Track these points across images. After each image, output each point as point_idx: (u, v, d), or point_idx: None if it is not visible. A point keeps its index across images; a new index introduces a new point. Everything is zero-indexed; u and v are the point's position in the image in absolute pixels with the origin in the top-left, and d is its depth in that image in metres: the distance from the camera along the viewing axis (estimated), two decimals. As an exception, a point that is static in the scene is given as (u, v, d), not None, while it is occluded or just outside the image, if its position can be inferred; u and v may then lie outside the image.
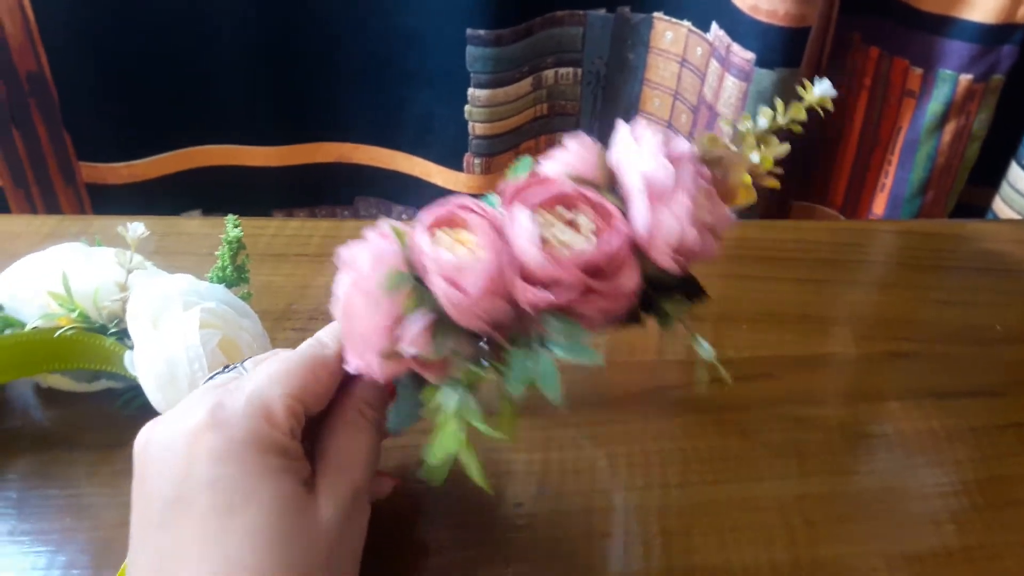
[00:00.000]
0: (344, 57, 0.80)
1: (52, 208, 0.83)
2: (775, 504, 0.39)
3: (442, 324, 0.27)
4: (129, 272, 0.39)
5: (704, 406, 0.44)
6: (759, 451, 0.41)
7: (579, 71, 0.83)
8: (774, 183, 0.33)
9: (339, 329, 0.31)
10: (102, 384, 0.41)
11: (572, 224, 0.28)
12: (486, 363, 0.28)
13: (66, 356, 0.39)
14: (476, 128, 0.80)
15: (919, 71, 0.71)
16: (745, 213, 0.76)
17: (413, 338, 0.27)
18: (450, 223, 0.28)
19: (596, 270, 0.27)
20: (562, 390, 0.27)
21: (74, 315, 0.38)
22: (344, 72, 0.81)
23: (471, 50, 0.76)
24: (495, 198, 0.29)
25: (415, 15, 0.77)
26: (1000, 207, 0.71)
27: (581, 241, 0.27)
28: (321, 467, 0.30)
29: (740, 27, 0.69)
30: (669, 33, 0.78)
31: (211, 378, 0.32)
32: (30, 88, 0.77)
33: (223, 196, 0.88)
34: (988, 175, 0.75)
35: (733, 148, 0.32)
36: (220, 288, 0.40)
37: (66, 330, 0.38)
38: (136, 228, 0.38)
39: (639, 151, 0.28)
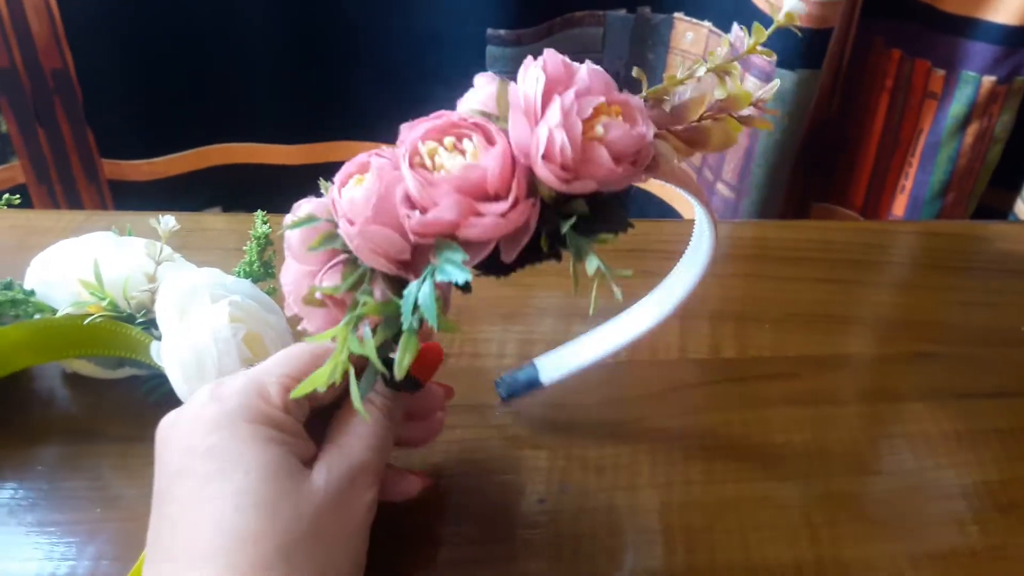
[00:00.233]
0: (365, 56, 0.80)
1: (74, 204, 0.84)
2: (798, 503, 0.39)
3: (351, 263, 0.28)
4: (158, 264, 0.40)
5: (727, 405, 0.44)
6: (782, 450, 0.41)
7: (599, 71, 0.83)
8: (765, 123, 0.31)
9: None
10: (126, 371, 0.42)
11: (458, 150, 0.27)
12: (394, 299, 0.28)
13: (94, 342, 0.39)
14: (495, 127, 0.80)
15: (941, 73, 0.71)
16: (766, 213, 0.76)
17: (325, 277, 0.28)
18: (361, 170, 0.28)
19: (478, 191, 0.27)
20: (447, 317, 0.27)
21: (104, 303, 0.39)
22: (365, 71, 0.81)
23: (491, 50, 0.76)
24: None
25: (436, 15, 0.77)
26: (1022, 210, 0.71)
27: (461, 163, 0.27)
28: (323, 446, 0.31)
29: (753, 24, 0.69)
30: (690, 33, 0.78)
31: None
32: (55, 85, 0.78)
33: (243, 193, 0.88)
34: (1010, 178, 0.75)
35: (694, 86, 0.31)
36: (247, 283, 0.40)
37: (95, 318, 0.38)
38: (168, 221, 0.39)
39: (525, 74, 0.28)
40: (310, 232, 0.29)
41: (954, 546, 0.37)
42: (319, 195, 0.31)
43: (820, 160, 0.80)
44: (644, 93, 0.30)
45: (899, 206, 0.78)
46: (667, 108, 0.30)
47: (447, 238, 0.27)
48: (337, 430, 0.31)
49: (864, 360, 0.47)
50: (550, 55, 0.28)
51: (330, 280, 0.29)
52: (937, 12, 0.70)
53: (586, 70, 0.28)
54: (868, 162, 0.79)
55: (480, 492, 0.38)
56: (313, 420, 0.32)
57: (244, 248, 0.44)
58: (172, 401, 0.40)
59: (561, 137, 0.26)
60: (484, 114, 0.28)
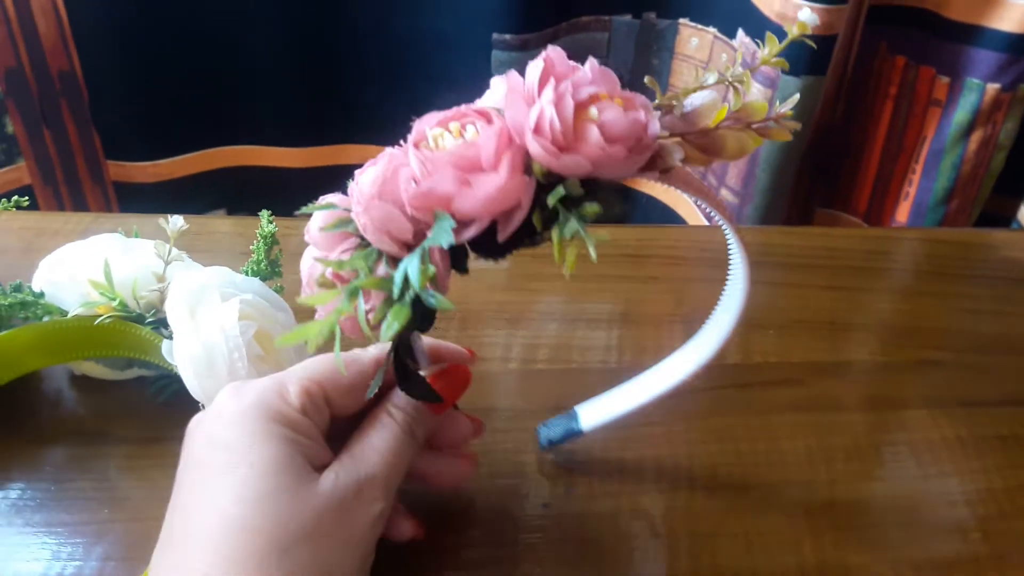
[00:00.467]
0: (370, 59, 0.81)
1: (80, 206, 0.84)
2: (803, 509, 0.39)
3: (362, 246, 0.28)
4: (167, 264, 0.40)
5: (732, 410, 0.44)
6: (787, 456, 0.41)
7: (603, 76, 0.83)
8: (783, 135, 0.31)
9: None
10: (134, 372, 0.42)
11: (462, 134, 0.28)
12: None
13: (104, 343, 0.40)
14: (500, 131, 0.80)
15: (946, 80, 0.71)
16: (770, 219, 0.76)
17: (336, 257, 0.28)
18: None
19: (474, 166, 0.27)
20: (441, 295, 0.26)
21: (114, 303, 0.39)
22: (370, 74, 0.82)
23: (497, 54, 0.76)
24: None
25: (442, 19, 0.78)
26: (1025, 217, 0.71)
27: (460, 142, 0.27)
28: (339, 454, 0.31)
29: (767, 34, 0.69)
30: (695, 39, 0.79)
31: None
32: (61, 87, 0.78)
33: (248, 196, 0.88)
34: (1013, 184, 0.75)
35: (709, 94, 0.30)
36: (255, 281, 0.41)
37: (105, 318, 0.39)
38: (176, 221, 0.39)
39: (530, 66, 0.28)
40: (328, 217, 0.29)
41: (958, 553, 0.37)
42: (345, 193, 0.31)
43: (824, 166, 0.80)
44: (657, 100, 0.30)
45: (903, 212, 0.78)
46: (678, 114, 0.30)
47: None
48: (355, 440, 0.31)
49: (868, 367, 0.48)
50: (553, 50, 0.28)
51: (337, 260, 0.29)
52: (942, 19, 0.70)
53: (590, 65, 0.28)
54: (872, 168, 0.79)
55: (484, 496, 0.39)
56: (339, 432, 0.32)
57: (251, 249, 0.44)
58: (181, 401, 0.40)
59: (551, 112, 0.26)
60: (496, 110, 0.29)
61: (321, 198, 0.31)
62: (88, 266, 0.40)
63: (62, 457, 0.40)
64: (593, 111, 0.27)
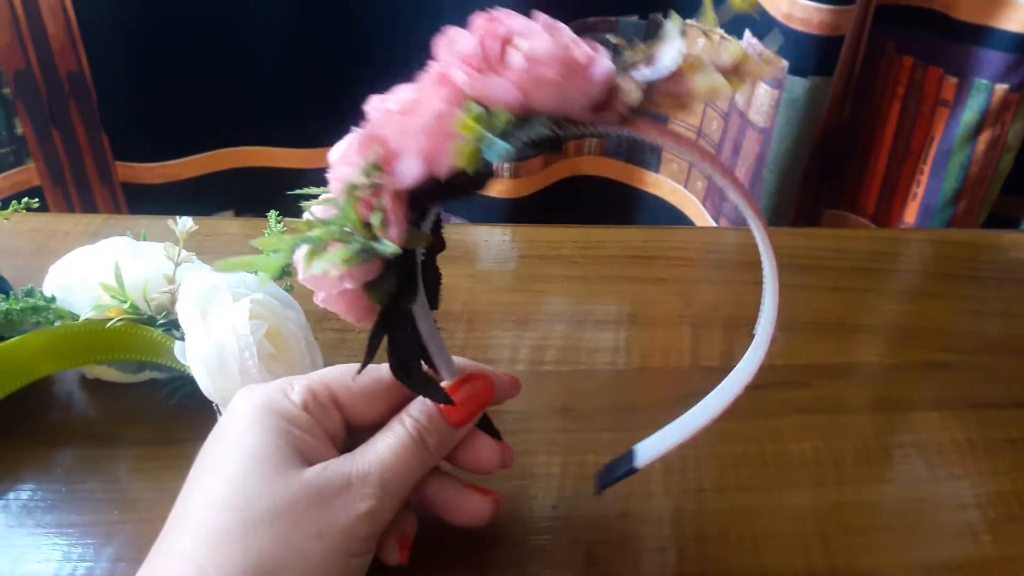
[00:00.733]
0: (378, 60, 0.81)
1: (88, 207, 0.84)
2: (811, 512, 0.39)
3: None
4: (177, 265, 0.40)
5: (739, 413, 0.43)
6: (795, 458, 0.41)
7: (610, 77, 0.83)
8: (761, 70, 0.29)
9: None
10: (146, 375, 0.42)
11: None
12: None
13: (116, 347, 0.40)
14: (506, 133, 0.80)
15: (954, 80, 0.71)
16: (777, 220, 0.76)
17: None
18: None
19: (412, 109, 0.27)
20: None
21: (126, 306, 0.39)
22: (377, 75, 0.82)
23: (504, 55, 0.76)
24: None
25: (449, 19, 0.78)
26: (1034, 218, 0.71)
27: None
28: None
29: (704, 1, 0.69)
30: (701, 40, 0.78)
31: None
32: (70, 88, 0.78)
33: (256, 197, 0.89)
34: (1022, 185, 0.75)
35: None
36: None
37: (117, 321, 0.39)
38: (185, 223, 0.39)
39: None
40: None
41: (968, 556, 0.37)
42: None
43: (832, 167, 0.80)
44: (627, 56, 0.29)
45: (911, 213, 0.78)
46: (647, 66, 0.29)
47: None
48: (363, 443, 0.31)
49: (876, 369, 0.48)
50: (502, 11, 0.28)
51: (319, 210, 0.29)
52: (950, 20, 0.70)
53: (537, 16, 0.27)
54: (880, 169, 0.79)
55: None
56: (362, 441, 0.32)
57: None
58: (192, 404, 0.41)
59: (475, 40, 0.26)
60: None
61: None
62: (98, 270, 0.40)
63: (73, 459, 0.40)
64: (521, 41, 0.26)
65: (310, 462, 0.30)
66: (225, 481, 0.29)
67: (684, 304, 0.51)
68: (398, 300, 0.29)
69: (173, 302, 0.40)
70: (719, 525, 0.38)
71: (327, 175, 0.28)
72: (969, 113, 0.71)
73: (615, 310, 0.50)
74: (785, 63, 0.69)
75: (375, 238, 0.26)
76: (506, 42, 0.26)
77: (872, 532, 0.38)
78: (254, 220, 0.56)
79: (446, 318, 0.48)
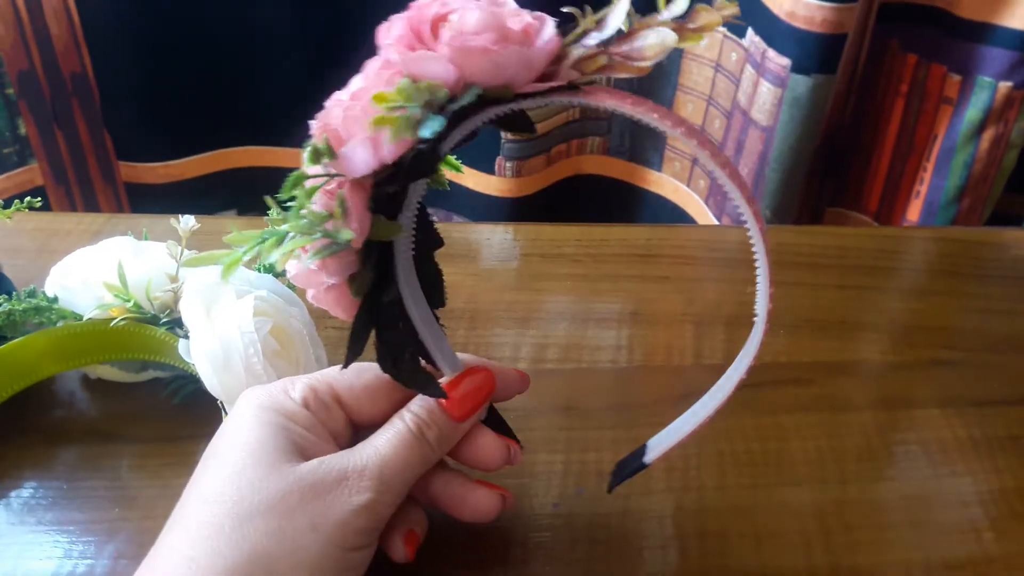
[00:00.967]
0: (379, 60, 0.81)
1: (91, 206, 0.85)
2: (813, 509, 0.39)
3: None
4: (180, 264, 0.40)
5: (742, 411, 0.44)
6: (797, 456, 0.41)
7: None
8: (711, 20, 0.27)
9: None
10: (149, 374, 0.42)
11: None
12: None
13: (119, 346, 0.40)
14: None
15: (957, 78, 0.71)
16: (780, 218, 0.76)
17: None
18: None
19: (361, 95, 0.27)
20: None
21: (129, 305, 0.39)
22: (380, 75, 0.82)
23: (506, 54, 0.76)
24: None
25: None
26: (1038, 216, 0.71)
27: None
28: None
29: (776, 33, 0.69)
30: (704, 38, 0.78)
31: None
32: (73, 88, 0.78)
33: (258, 197, 0.88)
34: (1026, 183, 0.75)
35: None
36: (269, 278, 0.41)
37: (120, 320, 0.39)
38: (187, 221, 0.39)
39: None
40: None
41: (970, 553, 0.37)
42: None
43: (835, 165, 0.80)
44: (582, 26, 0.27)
45: (914, 211, 0.77)
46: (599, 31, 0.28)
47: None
48: (362, 441, 0.31)
49: (879, 366, 0.47)
50: None
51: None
52: (953, 17, 0.69)
53: None
54: (883, 167, 0.78)
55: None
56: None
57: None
58: (195, 402, 0.41)
59: (406, 19, 0.26)
60: None
61: None
62: (100, 270, 0.40)
63: (74, 457, 0.40)
64: (453, 16, 0.26)
65: (308, 458, 0.30)
66: (221, 476, 0.29)
67: (686, 302, 0.51)
68: (377, 294, 0.29)
69: (176, 301, 0.40)
70: (720, 523, 0.38)
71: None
72: (972, 111, 0.71)
73: (617, 308, 0.50)
74: (788, 61, 0.69)
75: (338, 229, 0.26)
76: (439, 19, 0.26)
77: (874, 530, 0.38)
78: (256, 219, 0.56)
79: (448, 316, 0.48)
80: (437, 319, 0.33)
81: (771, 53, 0.70)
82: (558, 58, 0.27)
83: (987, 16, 0.68)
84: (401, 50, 0.26)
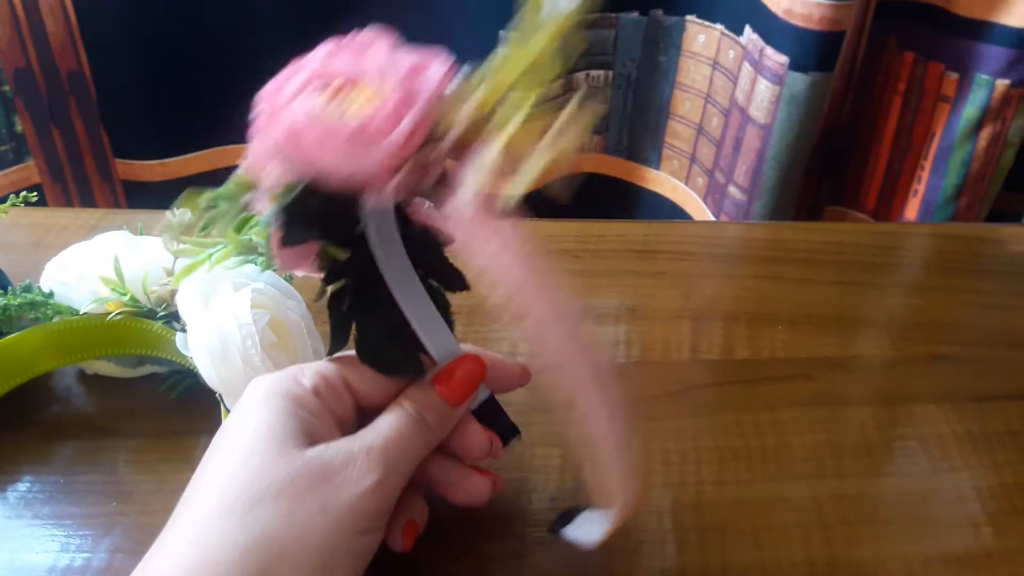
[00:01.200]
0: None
1: (88, 204, 0.84)
2: (811, 504, 0.39)
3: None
4: (176, 258, 0.40)
5: (740, 406, 0.44)
6: (795, 451, 0.41)
7: (610, 73, 0.83)
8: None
9: None
10: (146, 369, 0.42)
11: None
12: None
13: (116, 341, 0.40)
14: (507, 129, 0.80)
15: (955, 76, 0.71)
16: (778, 216, 0.76)
17: None
18: None
19: None
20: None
21: (125, 299, 0.39)
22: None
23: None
24: None
25: (449, 16, 0.78)
26: (1035, 213, 0.71)
27: None
28: None
29: (774, 31, 0.69)
30: (702, 36, 0.78)
31: None
32: (70, 86, 0.78)
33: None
34: (1023, 182, 0.75)
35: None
36: (266, 271, 0.41)
37: (116, 315, 0.39)
38: (184, 214, 0.39)
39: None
40: None
41: (968, 548, 0.37)
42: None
43: (833, 163, 0.80)
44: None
45: (911, 210, 0.77)
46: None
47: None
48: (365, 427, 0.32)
49: (878, 362, 0.47)
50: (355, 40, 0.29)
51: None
52: (951, 15, 0.69)
53: (367, 50, 0.29)
54: (881, 165, 0.78)
55: (493, 490, 0.39)
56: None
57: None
58: (193, 397, 0.41)
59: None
60: None
61: None
62: (95, 265, 0.40)
63: (71, 451, 0.40)
64: (294, 105, 0.27)
65: (316, 444, 0.30)
66: (230, 460, 0.29)
67: (684, 298, 0.51)
68: (357, 290, 0.31)
69: (173, 294, 0.40)
70: (718, 517, 0.38)
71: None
72: (970, 109, 0.71)
73: (615, 304, 0.50)
74: (786, 59, 0.69)
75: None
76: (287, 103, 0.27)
77: (872, 524, 0.38)
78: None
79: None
80: (447, 311, 0.34)
81: (769, 51, 0.70)
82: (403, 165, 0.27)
83: (985, 14, 0.68)
84: (253, 130, 0.28)
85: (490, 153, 0.25)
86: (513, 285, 0.27)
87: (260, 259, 0.34)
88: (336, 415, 0.32)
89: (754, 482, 0.40)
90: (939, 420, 0.43)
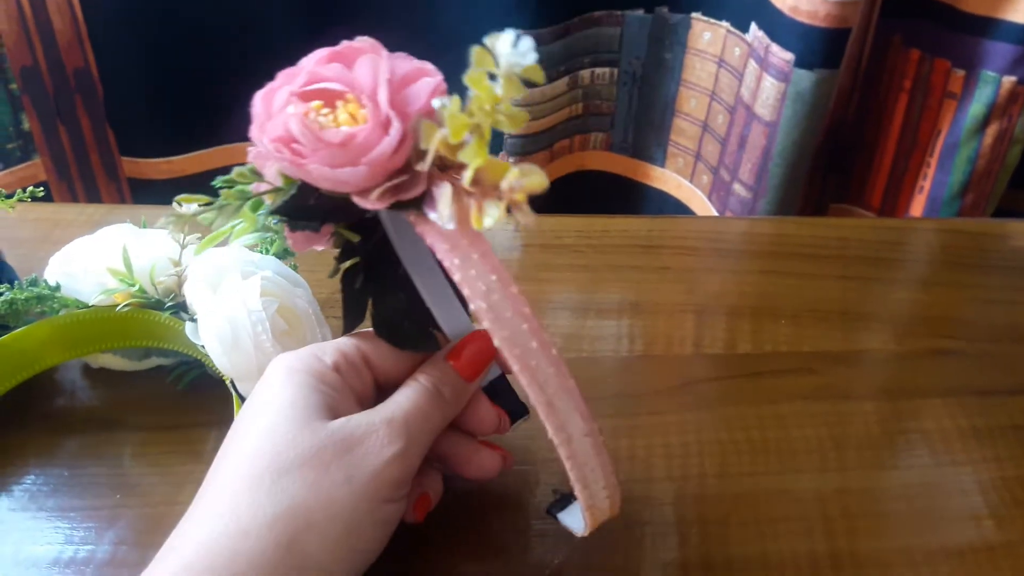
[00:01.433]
0: (383, 55, 0.81)
1: (94, 201, 0.85)
2: (814, 497, 0.39)
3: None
4: (183, 248, 0.40)
5: (743, 399, 0.44)
6: (798, 444, 0.41)
7: (615, 71, 0.83)
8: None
9: None
10: (152, 362, 0.42)
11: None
12: None
13: (123, 334, 0.40)
14: (512, 127, 0.80)
15: (961, 73, 0.70)
16: (783, 213, 0.75)
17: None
18: None
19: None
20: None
21: (134, 289, 0.39)
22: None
23: (509, 49, 0.76)
24: None
25: (454, 15, 0.78)
26: (1041, 211, 0.70)
27: None
28: None
29: (780, 28, 0.69)
30: (707, 33, 0.78)
31: None
32: (76, 84, 0.79)
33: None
34: (1029, 179, 0.75)
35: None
36: (272, 259, 0.41)
37: (124, 306, 0.39)
38: (190, 207, 0.39)
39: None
40: None
41: (971, 541, 0.37)
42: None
43: (838, 160, 0.80)
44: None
45: (917, 207, 0.77)
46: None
47: None
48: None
49: (881, 356, 0.47)
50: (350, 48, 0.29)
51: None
52: (957, 12, 0.69)
53: (364, 62, 0.28)
54: (886, 163, 0.78)
55: (495, 481, 0.38)
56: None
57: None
58: (199, 389, 0.41)
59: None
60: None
61: None
62: (101, 257, 0.41)
63: (76, 445, 0.40)
64: (288, 110, 0.28)
65: (338, 418, 0.31)
66: (256, 434, 0.29)
67: (687, 292, 0.51)
68: (370, 269, 0.32)
69: (180, 284, 0.40)
70: (721, 510, 0.38)
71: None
72: (976, 106, 0.70)
73: (619, 298, 0.50)
74: (791, 56, 0.69)
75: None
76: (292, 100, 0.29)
77: (875, 518, 0.38)
78: (258, 210, 0.56)
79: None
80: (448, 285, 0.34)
81: (775, 48, 0.70)
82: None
83: (991, 10, 0.68)
84: (254, 133, 0.29)
85: (464, 177, 0.26)
86: (482, 298, 0.28)
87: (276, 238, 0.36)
88: (356, 390, 0.32)
89: (757, 475, 0.40)
90: (942, 414, 0.43)
